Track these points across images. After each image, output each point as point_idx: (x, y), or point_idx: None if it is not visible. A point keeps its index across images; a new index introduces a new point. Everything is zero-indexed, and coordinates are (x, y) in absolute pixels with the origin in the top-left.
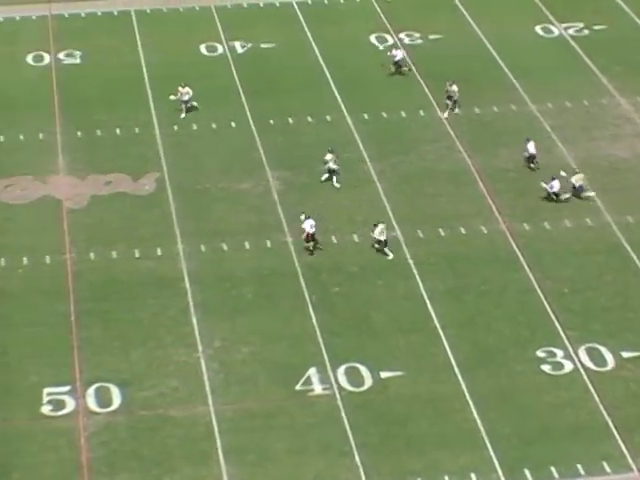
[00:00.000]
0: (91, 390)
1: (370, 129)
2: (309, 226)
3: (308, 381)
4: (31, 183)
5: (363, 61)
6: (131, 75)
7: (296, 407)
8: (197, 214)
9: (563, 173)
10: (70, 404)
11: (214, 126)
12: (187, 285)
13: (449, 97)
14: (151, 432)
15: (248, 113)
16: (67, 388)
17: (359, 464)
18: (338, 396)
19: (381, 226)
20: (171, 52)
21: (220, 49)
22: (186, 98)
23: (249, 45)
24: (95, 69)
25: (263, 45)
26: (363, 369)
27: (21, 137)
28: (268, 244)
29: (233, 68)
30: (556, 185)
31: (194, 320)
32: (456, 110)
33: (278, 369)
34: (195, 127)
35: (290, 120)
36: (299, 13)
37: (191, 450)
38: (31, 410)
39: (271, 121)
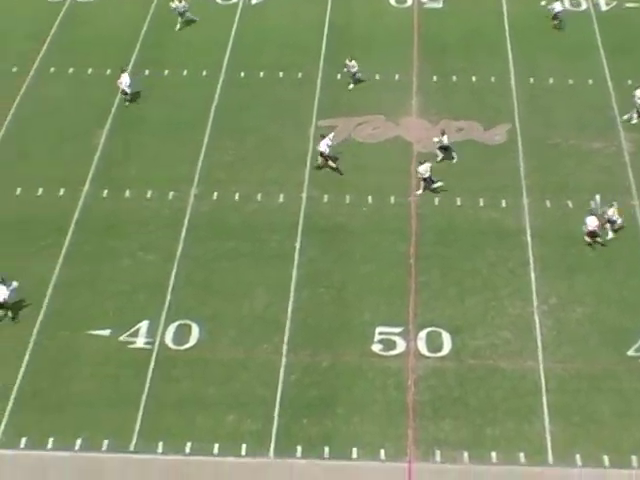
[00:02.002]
0: (423, 334)
1: None
2: (324, 145)
3: None
4: (383, 123)
5: None
6: (491, 23)
7: (626, 372)
8: (545, 169)
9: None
10: (401, 345)
11: (570, 82)
12: (528, 239)
13: None
14: (478, 381)
15: (606, 71)
16: (399, 329)
17: None
18: None
19: (427, 165)
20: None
21: (584, 5)
22: (353, 70)
23: (614, 3)
24: (456, 15)
25: (628, 4)
26: None
27: (377, 77)
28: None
29: (596, 25)
30: None
31: (532, 275)
32: None
33: (611, 332)
34: (551, 81)
35: None
36: None
37: (516, 404)
38: (362, 347)
39: (629, 81)
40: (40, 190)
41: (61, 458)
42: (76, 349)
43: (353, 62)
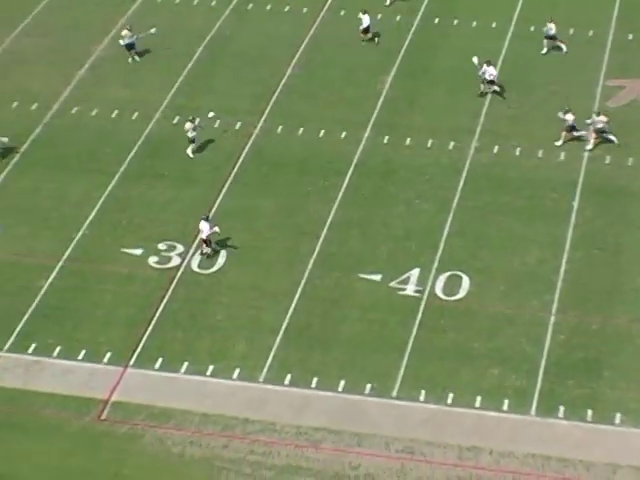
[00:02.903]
0: None
1: None
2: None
3: None
4: None
5: None
6: None
7: None
8: None
9: None
10: None
11: None
12: None
13: None
14: None
15: None
16: None
17: None
18: None
19: (571, 114)
20: None
21: None
22: (551, 33)
23: None
24: None
25: None
26: None
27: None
28: None
29: None
30: None
31: None
32: None
33: None
34: None
35: None
36: None
37: None
38: (634, 312)
39: None
40: (322, 132)
41: (323, 397)
42: (346, 291)
43: (552, 24)
